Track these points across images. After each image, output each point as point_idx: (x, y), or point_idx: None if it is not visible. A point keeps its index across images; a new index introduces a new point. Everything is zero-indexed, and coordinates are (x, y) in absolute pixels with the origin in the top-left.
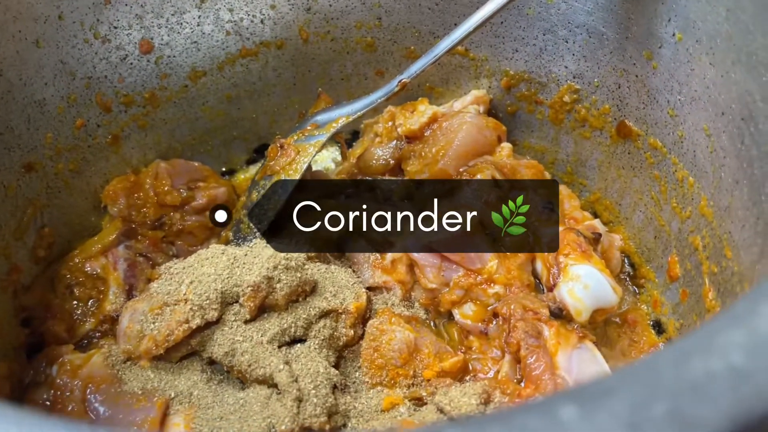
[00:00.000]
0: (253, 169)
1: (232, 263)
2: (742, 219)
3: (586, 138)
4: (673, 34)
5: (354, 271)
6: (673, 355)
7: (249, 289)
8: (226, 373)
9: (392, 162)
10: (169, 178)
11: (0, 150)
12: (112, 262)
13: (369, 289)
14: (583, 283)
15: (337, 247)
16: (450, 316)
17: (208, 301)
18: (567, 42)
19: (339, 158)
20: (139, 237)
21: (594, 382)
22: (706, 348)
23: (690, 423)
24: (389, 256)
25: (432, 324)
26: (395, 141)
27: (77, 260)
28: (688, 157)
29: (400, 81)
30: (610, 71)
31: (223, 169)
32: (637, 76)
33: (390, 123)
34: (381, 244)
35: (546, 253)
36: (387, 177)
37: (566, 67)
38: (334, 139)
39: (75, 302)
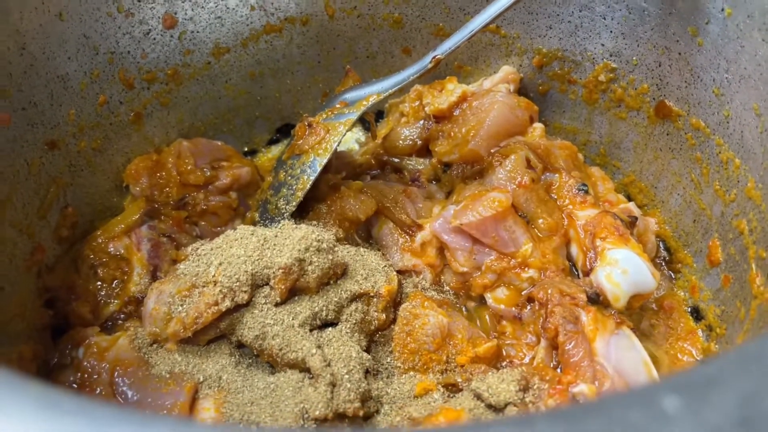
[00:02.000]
0: (276, 150)
1: (263, 245)
2: None
3: (621, 119)
4: (722, 9)
5: (383, 255)
6: None
7: (280, 271)
8: (254, 356)
9: (419, 142)
10: (191, 157)
11: (23, 126)
12: (136, 243)
13: (398, 272)
14: (622, 267)
15: (365, 228)
16: (481, 300)
17: (238, 284)
18: (605, 18)
19: (363, 139)
20: (162, 217)
21: (696, 370)
22: None
23: None
24: (419, 238)
25: (463, 309)
26: (423, 121)
27: (100, 240)
28: (734, 138)
29: (434, 57)
30: (650, 49)
31: (245, 150)
32: (680, 53)
33: (417, 102)
34: (409, 226)
35: (582, 237)
36: (414, 157)
37: (603, 45)
38: (361, 118)
39: (99, 283)
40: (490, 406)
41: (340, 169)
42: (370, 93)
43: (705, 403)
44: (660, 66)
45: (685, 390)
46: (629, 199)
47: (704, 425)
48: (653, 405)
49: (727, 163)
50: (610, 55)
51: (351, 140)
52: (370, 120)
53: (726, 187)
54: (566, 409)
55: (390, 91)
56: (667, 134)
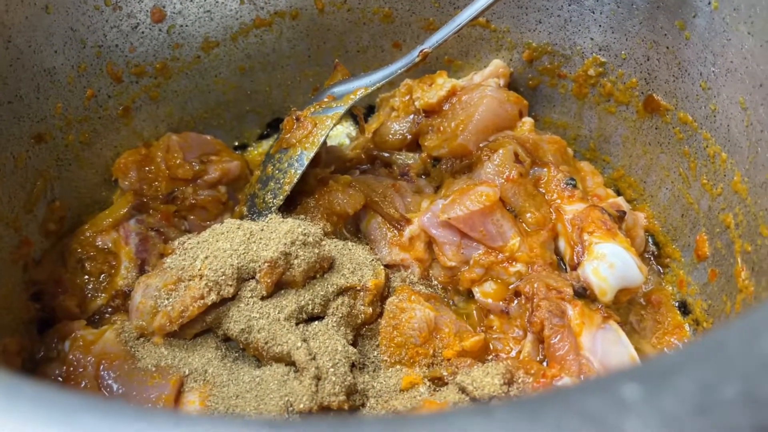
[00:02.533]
0: (266, 145)
1: (248, 238)
2: None
3: (610, 113)
4: (709, 3)
5: (371, 249)
6: (742, 332)
7: (266, 265)
8: (240, 350)
9: (409, 137)
10: (180, 151)
11: (9, 119)
12: (124, 237)
13: (386, 266)
14: (609, 262)
15: (353, 223)
16: (468, 294)
17: (223, 277)
18: (594, 12)
19: (354, 133)
20: (150, 211)
21: (656, 359)
22: None
23: (764, 405)
24: (407, 233)
25: (451, 303)
26: (412, 115)
27: (88, 234)
28: (721, 132)
29: (421, 51)
30: (638, 43)
31: (236, 144)
32: (668, 47)
33: (407, 97)
34: (398, 220)
35: (570, 231)
36: (404, 152)
37: (592, 39)
38: (350, 113)
39: (86, 277)
40: (474, 400)
41: (330, 164)
42: (358, 87)
43: (663, 391)
44: (648, 60)
45: (645, 378)
46: (618, 193)
47: (662, 413)
48: (612, 393)
49: (714, 157)
50: (599, 50)
51: (342, 135)
52: (358, 114)
53: (713, 181)
54: (524, 398)
55: (378, 84)
56: (656, 128)
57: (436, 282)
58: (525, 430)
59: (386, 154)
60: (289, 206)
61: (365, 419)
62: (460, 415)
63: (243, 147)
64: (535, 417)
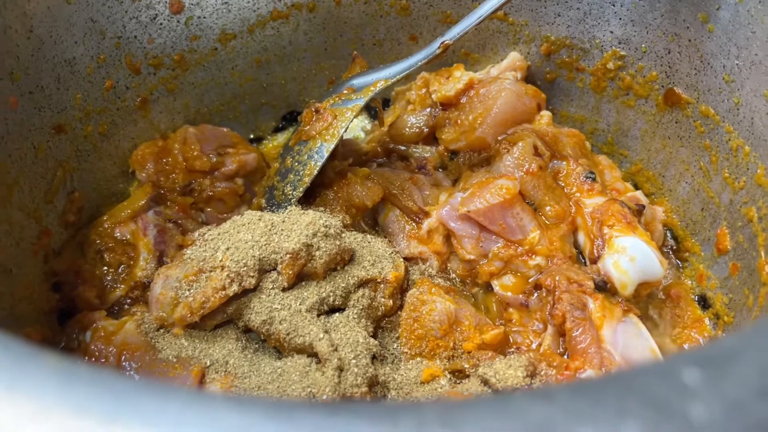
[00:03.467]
0: (281, 138)
1: (270, 230)
2: None
3: (629, 107)
4: None
5: (389, 242)
6: None
7: (288, 256)
8: (261, 342)
9: (426, 130)
10: (197, 143)
11: (30, 109)
12: (142, 228)
13: (404, 259)
14: (629, 255)
15: (371, 216)
16: (487, 287)
17: (245, 268)
18: (614, 5)
19: (369, 127)
20: (168, 203)
21: (715, 344)
22: None
23: None
24: (425, 226)
25: (469, 296)
26: (429, 108)
27: (107, 225)
28: (744, 125)
29: (442, 43)
30: (660, 36)
31: (251, 137)
32: (690, 40)
33: (424, 90)
34: (416, 213)
35: (590, 225)
36: (420, 145)
37: (611, 32)
38: (367, 106)
39: (105, 268)
40: (497, 392)
41: (347, 156)
42: (378, 79)
43: (725, 375)
44: (669, 53)
45: (705, 362)
46: (636, 188)
47: (725, 397)
48: (673, 377)
49: (736, 150)
50: (619, 43)
51: (357, 128)
52: (377, 106)
53: (735, 175)
54: (585, 382)
55: (398, 76)
56: (676, 122)
57: (454, 275)
58: (587, 414)
59: (403, 148)
60: (308, 198)
61: (424, 404)
62: (520, 399)
63: (258, 140)
64: (596, 400)
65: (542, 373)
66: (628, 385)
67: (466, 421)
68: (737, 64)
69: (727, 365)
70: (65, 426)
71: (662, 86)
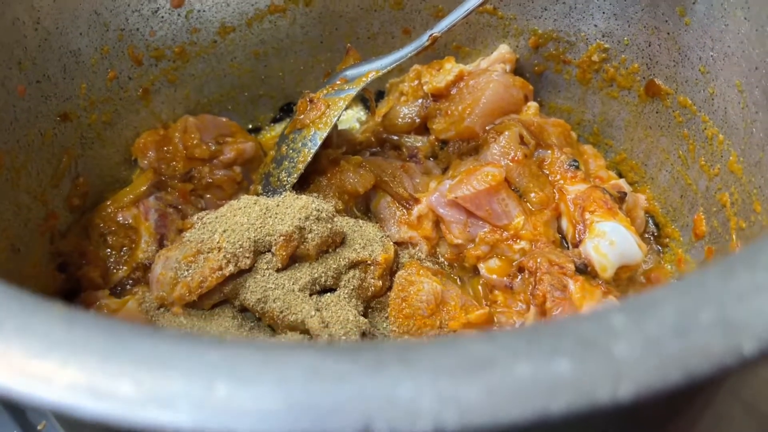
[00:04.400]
0: (279, 128)
1: (265, 213)
2: None
3: (613, 98)
4: None
5: (380, 227)
6: (720, 270)
7: (281, 238)
8: (256, 320)
9: (418, 120)
10: (197, 132)
11: (37, 98)
12: (144, 212)
13: (395, 244)
14: (609, 239)
15: (363, 202)
16: (474, 272)
17: (241, 250)
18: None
19: (363, 118)
20: (168, 189)
21: (641, 295)
22: (751, 263)
23: (736, 329)
24: (415, 212)
25: (457, 279)
26: (421, 99)
27: (110, 210)
28: (718, 115)
29: (431, 35)
30: (640, 29)
31: (249, 127)
32: (668, 33)
33: (416, 81)
34: (407, 200)
35: (572, 210)
36: (412, 135)
37: (596, 26)
38: (362, 95)
39: (108, 250)
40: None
41: (341, 145)
42: (370, 70)
43: (647, 317)
44: (650, 46)
45: (632, 309)
46: (620, 176)
47: (646, 335)
48: (602, 321)
49: (711, 138)
50: (603, 36)
51: (352, 119)
52: (369, 97)
53: (710, 162)
54: (525, 327)
55: (388, 67)
56: (657, 112)
57: (442, 259)
58: (524, 351)
59: (395, 137)
60: (303, 185)
61: (383, 343)
62: (467, 340)
63: (257, 130)
64: (533, 340)
65: None
66: (562, 329)
67: (420, 358)
68: (712, 56)
69: (650, 309)
70: (68, 361)
71: (644, 78)
